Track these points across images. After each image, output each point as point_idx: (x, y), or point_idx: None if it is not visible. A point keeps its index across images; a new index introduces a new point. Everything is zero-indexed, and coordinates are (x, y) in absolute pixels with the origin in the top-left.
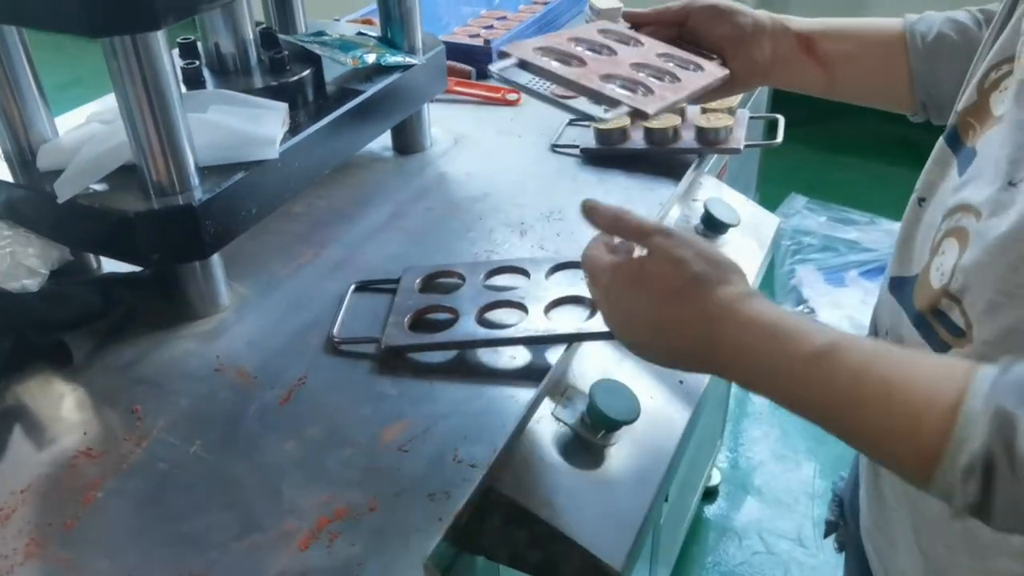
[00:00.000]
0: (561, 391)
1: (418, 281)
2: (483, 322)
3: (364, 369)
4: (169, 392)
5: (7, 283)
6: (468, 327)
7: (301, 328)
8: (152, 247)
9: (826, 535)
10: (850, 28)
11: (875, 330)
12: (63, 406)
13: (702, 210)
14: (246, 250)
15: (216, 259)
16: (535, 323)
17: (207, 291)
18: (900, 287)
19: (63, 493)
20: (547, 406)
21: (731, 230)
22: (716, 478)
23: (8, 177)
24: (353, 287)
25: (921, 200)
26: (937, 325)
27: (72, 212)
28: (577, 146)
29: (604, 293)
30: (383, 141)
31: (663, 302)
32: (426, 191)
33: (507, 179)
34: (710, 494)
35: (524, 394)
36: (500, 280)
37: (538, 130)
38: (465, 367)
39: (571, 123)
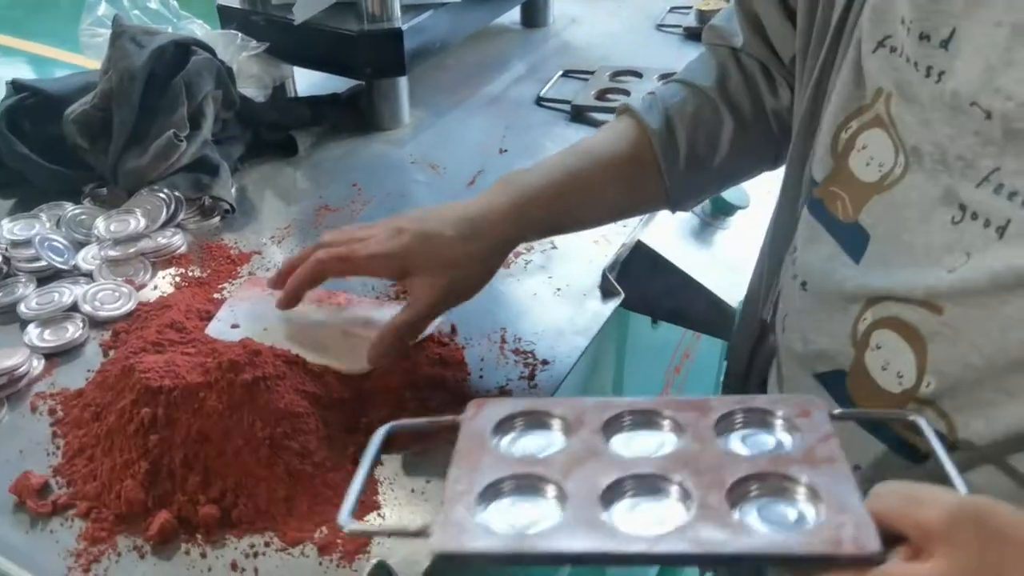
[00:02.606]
0: None
1: (607, 75)
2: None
3: (559, 117)
4: (378, 175)
5: (249, 87)
6: None
7: (472, 141)
8: (366, 62)
9: None
10: (580, 191)
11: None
12: (298, 180)
13: None
14: (417, 88)
15: (403, 83)
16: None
17: (395, 109)
18: (829, 383)
19: (317, 231)
20: None
21: (739, 212)
22: None
23: (246, 6)
24: (561, 72)
25: (804, 284)
26: (908, 433)
27: (304, 32)
28: (680, 26)
29: None
30: (511, 16)
31: None
32: (556, 53)
33: (622, 49)
34: None
35: None
36: None
37: (642, 14)
38: None
39: (672, 10)
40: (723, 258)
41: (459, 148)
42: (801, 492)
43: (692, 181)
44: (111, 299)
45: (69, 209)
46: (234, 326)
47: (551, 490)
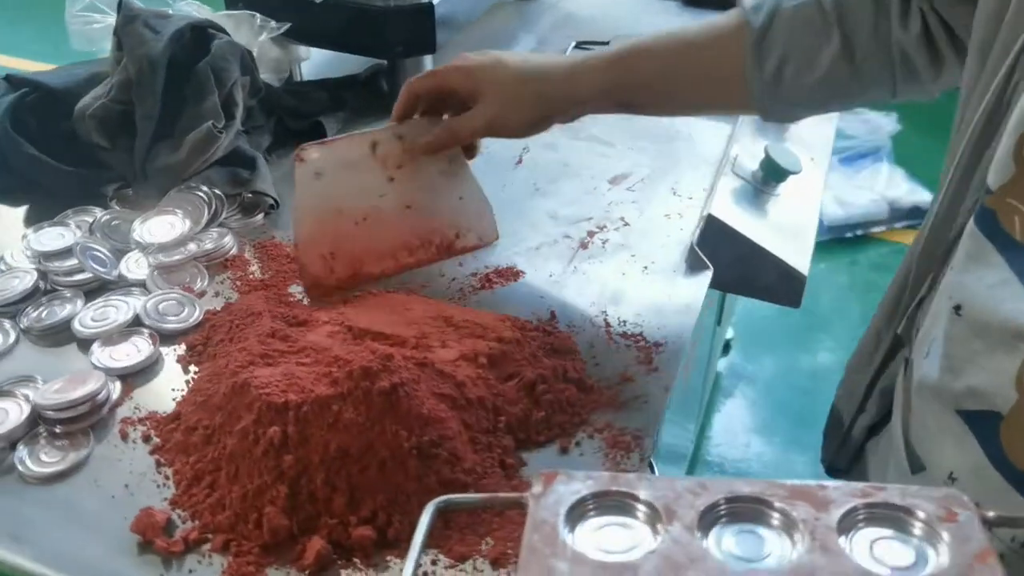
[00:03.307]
0: (733, 157)
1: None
2: None
3: None
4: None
5: (266, 72)
6: None
7: None
8: (395, 40)
9: None
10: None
11: (913, 456)
12: None
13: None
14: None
15: (429, 61)
16: None
17: None
18: (976, 423)
19: None
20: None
21: (791, 178)
22: (730, 332)
23: None
24: (573, 44)
25: (958, 308)
26: None
27: (325, 10)
28: None
29: None
30: None
31: None
32: (559, 24)
33: (622, 17)
34: (725, 347)
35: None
36: None
37: None
38: None
39: None
40: (781, 225)
41: None
42: None
43: (782, 92)
44: (175, 310)
45: (99, 214)
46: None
47: None
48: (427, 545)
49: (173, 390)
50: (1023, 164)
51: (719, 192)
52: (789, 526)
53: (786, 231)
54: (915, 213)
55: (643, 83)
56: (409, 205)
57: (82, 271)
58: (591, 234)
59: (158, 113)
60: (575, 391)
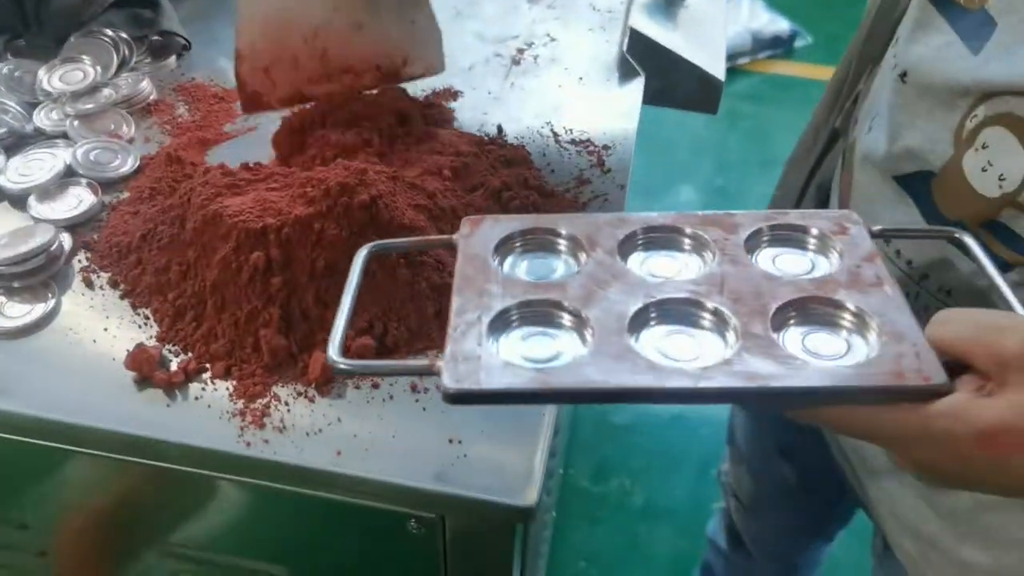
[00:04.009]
0: None
1: None
2: None
3: None
4: None
5: None
6: None
7: None
8: None
9: None
10: None
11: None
12: None
13: None
14: None
15: None
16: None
17: None
18: (910, 185)
19: None
20: None
21: None
22: None
23: None
24: None
25: (903, 75)
26: (990, 238)
27: None
28: None
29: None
30: None
31: None
32: None
33: None
34: None
35: None
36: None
37: None
38: None
39: None
40: (693, 34)
41: None
42: (849, 320)
43: None
44: (108, 158)
45: None
46: None
47: (569, 319)
48: (425, 348)
49: (126, 235)
50: None
51: (633, 5)
52: (701, 246)
53: (699, 40)
54: (777, 43)
55: None
56: (361, 25)
57: None
58: (520, 51)
59: None
60: (538, 197)
